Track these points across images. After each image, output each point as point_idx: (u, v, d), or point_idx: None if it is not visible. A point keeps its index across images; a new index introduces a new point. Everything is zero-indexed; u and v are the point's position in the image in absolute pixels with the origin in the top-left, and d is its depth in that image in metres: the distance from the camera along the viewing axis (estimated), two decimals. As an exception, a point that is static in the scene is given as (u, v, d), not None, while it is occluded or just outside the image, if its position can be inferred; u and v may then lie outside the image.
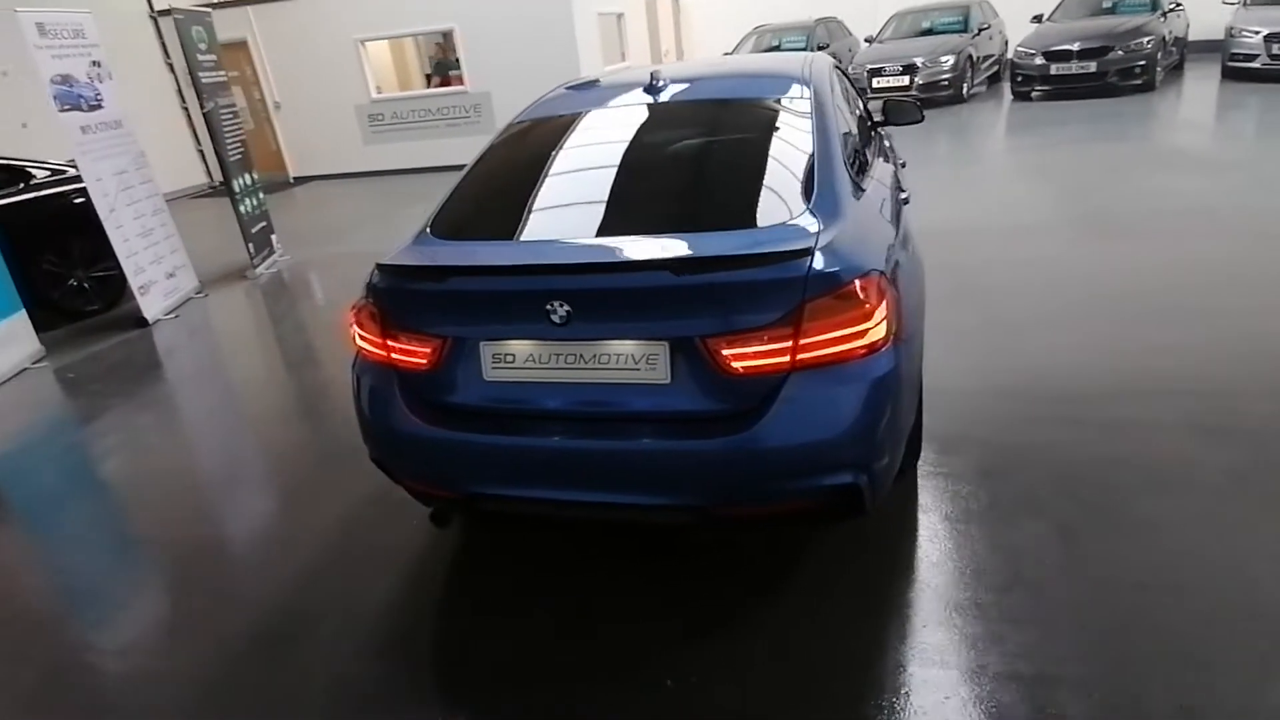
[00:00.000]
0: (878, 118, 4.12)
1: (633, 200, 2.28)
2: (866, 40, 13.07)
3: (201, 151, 11.63)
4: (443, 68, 12.30)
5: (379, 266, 2.15)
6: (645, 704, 1.96)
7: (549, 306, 1.91)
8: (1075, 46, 10.27)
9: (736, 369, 1.89)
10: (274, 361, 5.14)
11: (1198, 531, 2.31)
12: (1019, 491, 2.58)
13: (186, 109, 11.79)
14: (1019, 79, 10.93)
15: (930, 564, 2.31)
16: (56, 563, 3.07)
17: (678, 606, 2.27)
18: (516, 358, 2.05)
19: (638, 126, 2.61)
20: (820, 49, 12.87)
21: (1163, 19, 10.61)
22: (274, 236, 7.06)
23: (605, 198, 2.33)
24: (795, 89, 2.66)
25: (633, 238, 2.10)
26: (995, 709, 1.81)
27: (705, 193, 2.32)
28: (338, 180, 11.76)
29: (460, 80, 11.15)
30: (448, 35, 11.02)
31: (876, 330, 1.93)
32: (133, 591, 2.77)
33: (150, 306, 5.61)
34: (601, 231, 2.18)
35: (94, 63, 5.47)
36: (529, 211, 2.34)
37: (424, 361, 2.11)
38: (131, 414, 4.35)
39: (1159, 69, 10.31)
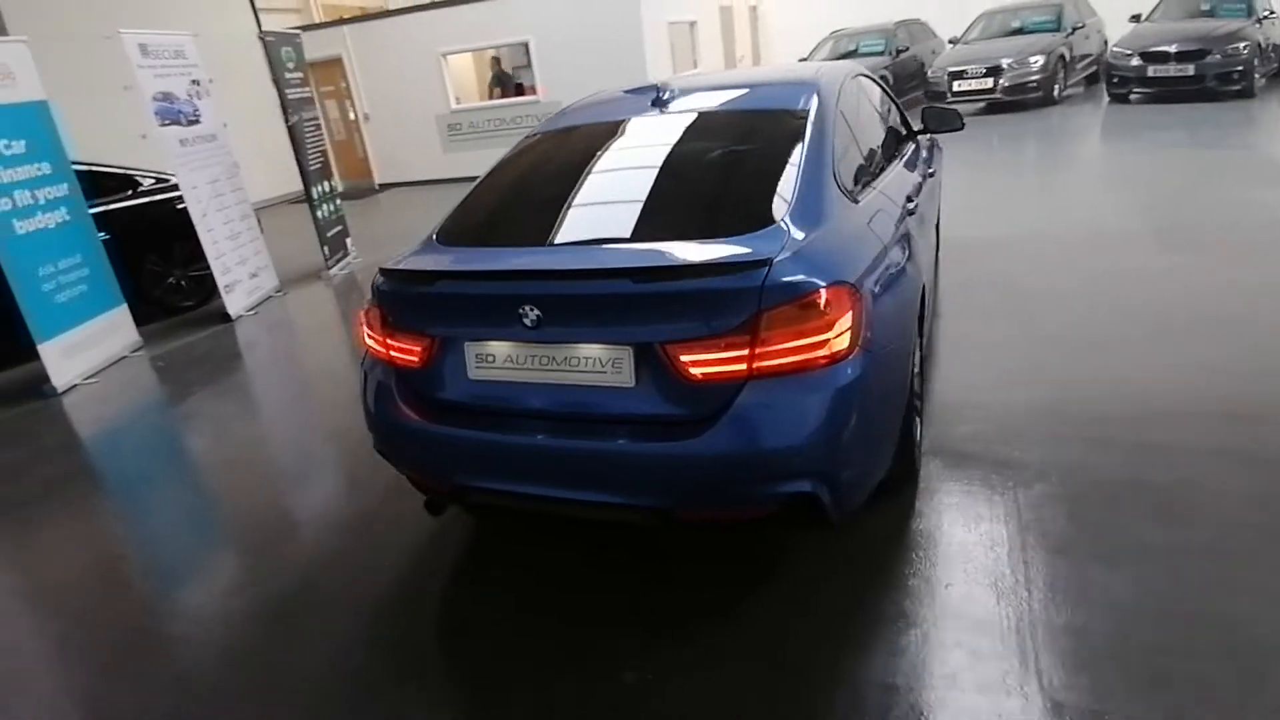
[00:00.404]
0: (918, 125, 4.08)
1: (615, 210, 2.38)
2: (950, 42, 12.68)
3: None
4: (500, 80, 12.72)
5: (380, 270, 2.33)
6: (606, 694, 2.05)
7: (521, 311, 2.04)
8: (1173, 48, 9.66)
9: (695, 375, 1.97)
10: (340, 354, 5.51)
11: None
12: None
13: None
14: (1115, 80, 10.37)
15: (919, 577, 2.29)
16: (138, 526, 3.45)
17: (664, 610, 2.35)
18: (496, 358, 2.18)
19: (634, 138, 2.70)
20: (900, 53, 12.59)
21: (1258, 25, 9.86)
22: (349, 240, 7.53)
23: (590, 207, 2.44)
24: (799, 99, 2.69)
25: (605, 246, 2.20)
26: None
27: (685, 203, 2.39)
28: (419, 187, 12.35)
29: (533, 90, 11.52)
30: (524, 47, 11.40)
31: (838, 341, 1.96)
32: (202, 555, 3.09)
33: (234, 304, 6.11)
34: (579, 240, 2.29)
35: (193, 81, 6.02)
36: (518, 220, 2.48)
37: (416, 359, 2.28)
38: (211, 399, 4.79)
39: (1258, 75, 9.59)
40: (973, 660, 1.96)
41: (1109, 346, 3.61)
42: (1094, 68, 12.33)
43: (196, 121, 5.97)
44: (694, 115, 2.78)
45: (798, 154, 2.40)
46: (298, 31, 7.30)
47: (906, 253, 2.54)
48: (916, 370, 2.81)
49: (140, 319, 5.86)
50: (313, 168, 7.00)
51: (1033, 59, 10.95)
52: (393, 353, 2.34)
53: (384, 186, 12.79)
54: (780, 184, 2.30)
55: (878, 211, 2.51)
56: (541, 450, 2.14)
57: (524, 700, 2.06)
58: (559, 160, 2.80)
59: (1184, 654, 1.89)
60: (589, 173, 2.55)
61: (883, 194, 2.67)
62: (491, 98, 12.50)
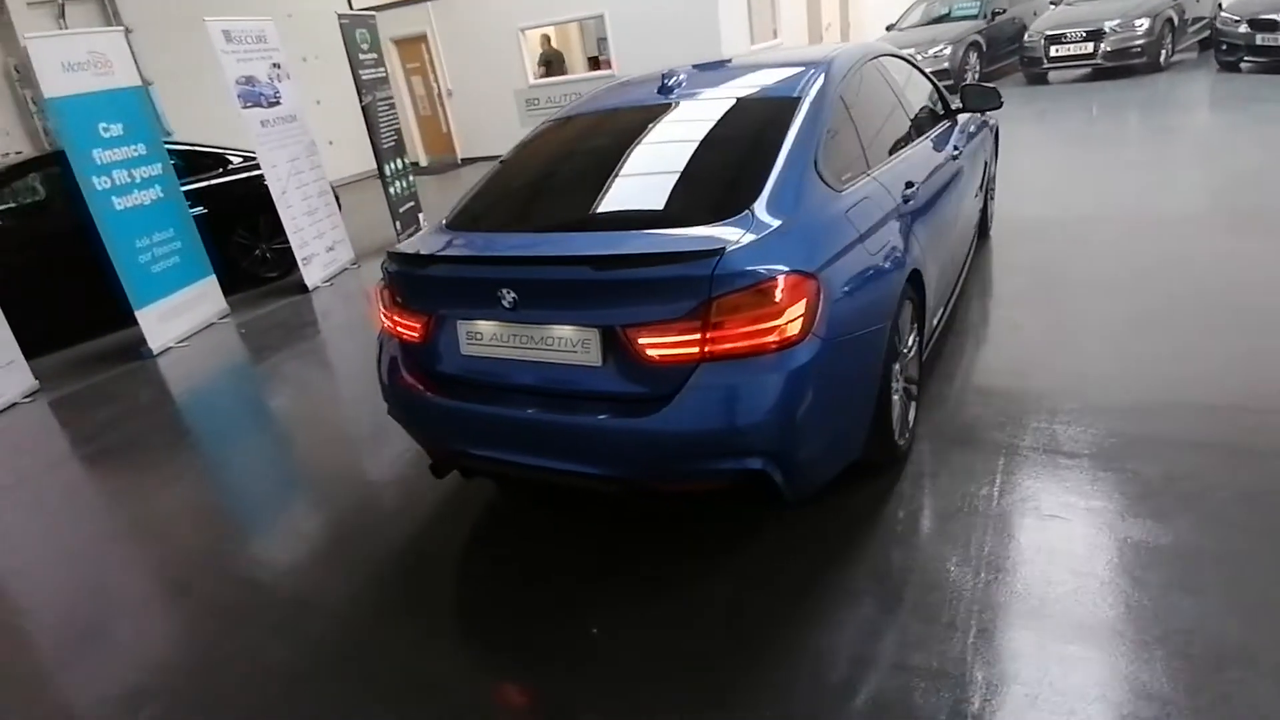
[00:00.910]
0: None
1: (598, 198, 2.49)
2: (1053, 3, 11.91)
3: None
4: (548, 60, 12.81)
5: (388, 253, 2.54)
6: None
7: (499, 294, 2.20)
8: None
9: (653, 356, 2.08)
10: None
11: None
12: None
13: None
14: (1223, 47, 9.49)
15: (876, 559, 2.35)
16: (219, 472, 3.88)
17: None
18: (484, 336, 2.36)
19: (631, 127, 2.79)
20: (995, 16, 11.94)
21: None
22: (421, 215, 7.91)
23: (575, 195, 2.57)
24: (796, 87, 2.71)
25: (581, 234, 2.32)
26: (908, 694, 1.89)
27: (663, 192, 2.47)
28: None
29: (609, 64, 11.61)
30: (599, 21, 11.47)
31: (790, 327, 2.03)
32: (272, 497, 3.47)
33: (311, 275, 6.57)
34: (560, 226, 2.43)
35: (274, 65, 6.45)
36: (511, 206, 2.63)
37: (417, 335, 2.48)
38: (287, 362, 5.24)
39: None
40: (911, 637, 2.03)
41: (1150, 336, 3.46)
42: (1207, 32, 11.33)
43: (277, 103, 6.41)
44: (692, 104, 2.83)
45: (781, 143, 2.44)
46: (372, 13, 7.64)
47: (893, 241, 2.55)
48: (910, 355, 2.82)
49: (229, 289, 6.40)
50: (386, 146, 7.37)
51: (1138, 22, 10.16)
52: (399, 328, 2.55)
53: (466, 161, 13.22)
54: (757, 173, 2.34)
55: (863, 199, 2.51)
56: (524, 422, 2.30)
57: (504, 638, 2.27)
58: (558, 149, 2.93)
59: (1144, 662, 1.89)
60: (581, 161, 2.67)
61: (877, 181, 2.66)
62: (539, 78, 12.63)
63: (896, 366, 2.67)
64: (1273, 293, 3.63)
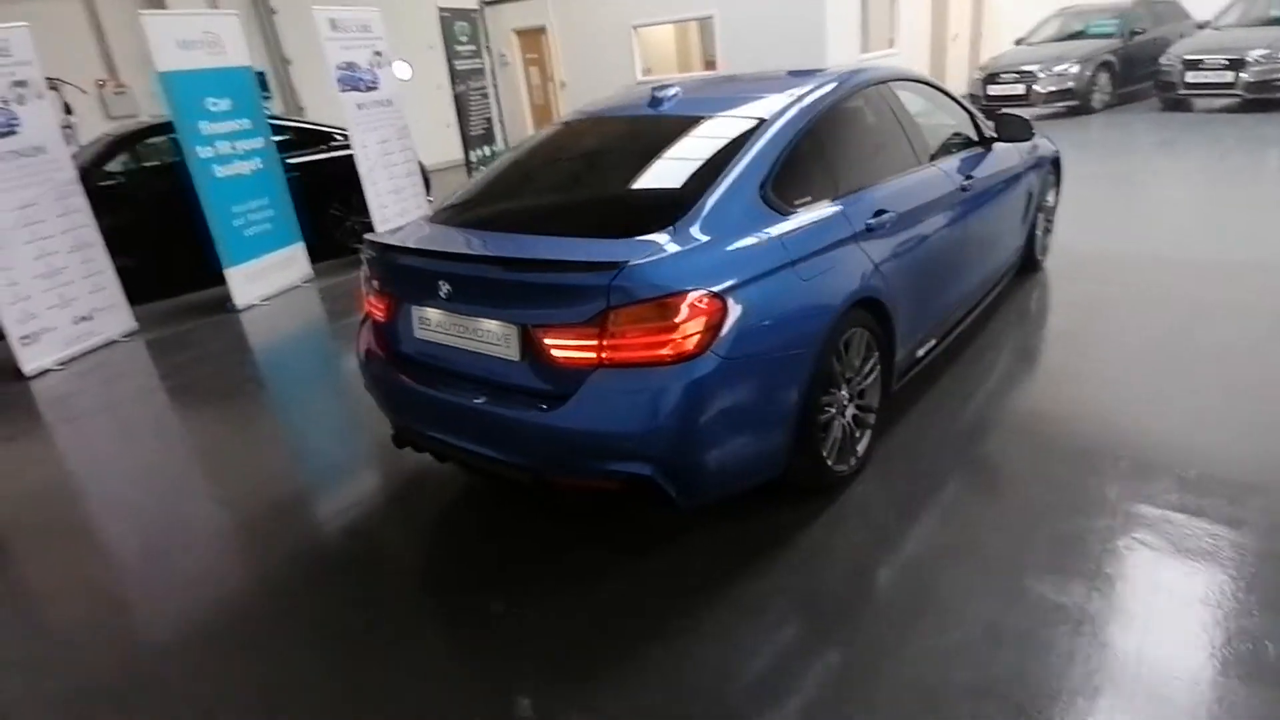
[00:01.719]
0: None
1: (545, 202, 2.62)
2: (1200, 26, 10.91)
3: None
4: None
5: (365, 239, 2.79)
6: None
7: (438, 284, 2.39)
8: None
9: (556, 357, 2.20)
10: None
11: None
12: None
13: (495, 86, 13.98)
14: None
15: (779, 575, 2.38)
16: (285, 411, 4.41)
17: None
18: (431, 321, 2.55)
19: (608, 137, 2.91)
20: (1134, 35, 11.08)
21: None
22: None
23: (529, 198, 2.71)
24: (772, 109, 2.73)
25: (513, 235, 2.47)
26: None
27: (604, 202, 2.57)
28: (599, 154, 13.04)
29: (714, 66, 11.66)
30: (708, 21, 11.53)
31: (685, 342, 2.11)
32: (324, 445, 3.84)
33: (388, 249, 7.07)
34: (507, 227, 2.58)
35: (376, 52, 6.97)
36: (475, 205, 2.81)
37: (383, 315, 2.72)
38: (355, 325, 5.69)
39: None
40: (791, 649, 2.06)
41: (1146, 391, 3.24)
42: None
43: (374, 88, 6.92)
44: (670, 119, 2.90)
45: (730, 163, 2.49)
46: (474, 9, 8.07)
47: (839, 267, 2.54)
48: (868, 383, 2.79)
49: (319, 256, 7.00)
50: (474, 134, 7.81)
51: (1289, 52, 9.17)
52: (372, 308, 2.80)
53: (568, 151, 13.65)
54: (698, 191, 2.41)
55: (810, 224, 2.51)
56: (457, 406, 2.48)
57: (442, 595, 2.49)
58: (542, 152, 3.08)
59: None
60: (553, 167, 2.81)
61: (837, 207, 2.65)
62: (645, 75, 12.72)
63: (843, 392, 2.67)
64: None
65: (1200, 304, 4.04)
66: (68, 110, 8.77)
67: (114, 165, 6.30)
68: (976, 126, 3.85)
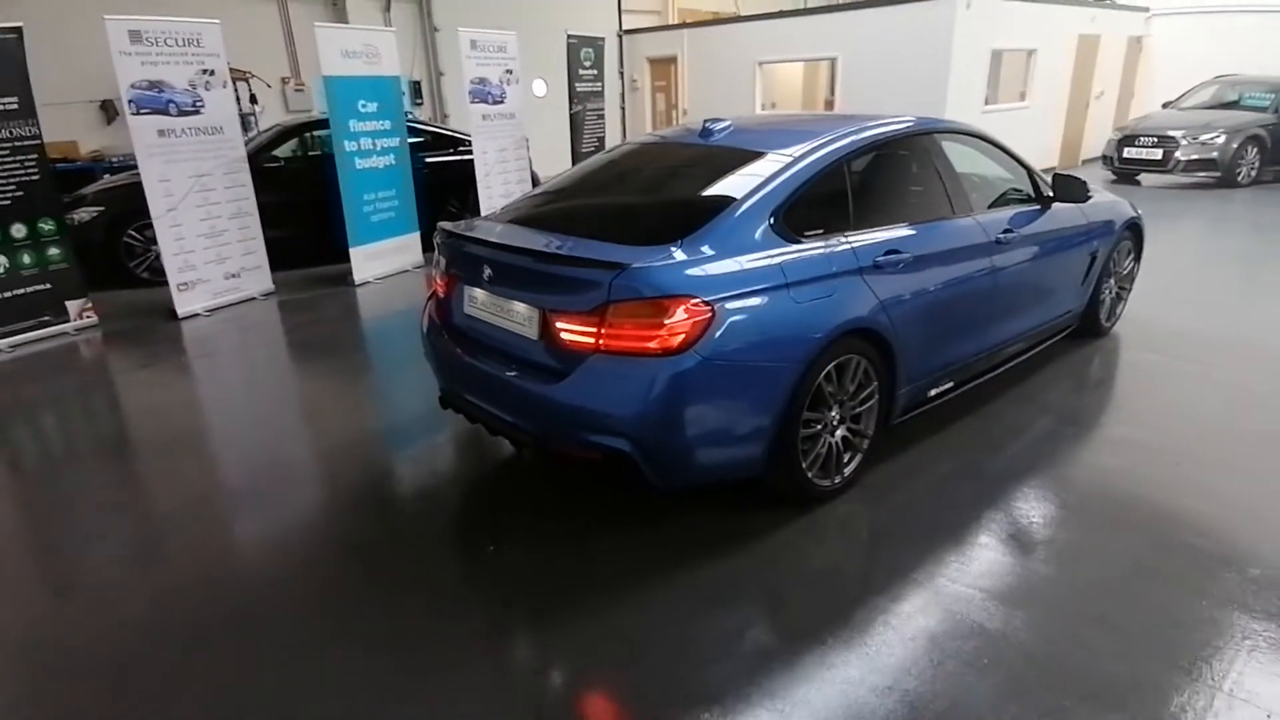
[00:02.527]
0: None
1: (586, 208, 3.02)
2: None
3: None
4: None
5: (439, 228, 3.28)
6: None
7: (483, 269, 2.84)
8: None
9: (564, 339, 2.59)
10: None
11: None
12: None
13: (624, 108, 14.73)
14: None
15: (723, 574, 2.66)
16: (379, 370, 5.09)
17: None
18: (477, 300, 3.01)
19: (662, 159, 3.29)
20: (1291, 110, 10.36)
21: None
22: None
23: (572, 203, 3.12)
24: (799, 148, 3.02)
25: (551, 233, 2.87)
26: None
27: (630, 215, 2.94)
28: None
29: (831, 106, 11.83)
30: (831, 64, 11.74)
31: (672, 339, 2.44)
32: (408, 404, 4.36)
33: (494, 247, 7.75)
34: (548, 227, 2.99)
35: (507, 70, 7.70)
36: (529, 207, 3.25)
37: (443, 292, 3.21)
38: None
39: None
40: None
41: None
42: None
43: (500, 102, 7.66)
44: (712, 149, 3.25)
45: (750, 191, 2.81)
46: (600, 36, 8.70)
47: (836, 296, 2.77)
48: (864, 407, 3.01)
49: (431, 246, 7.74)
50: (584, 150, 8.40)
51: None
52: (437, 285, 3.30)
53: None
54: (715, 211, 2.74)
55: (814, 254, 2.78)
56: (490, 375, 2.91)
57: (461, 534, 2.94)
58: (599, 168, 3.50)
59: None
60: (603, 178, 3.22)
61: (846, 242, 2.90)
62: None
63: (833, 413, 2.91)
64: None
65: (1251, 391, 3.94)
66: (253, 100, 10.10)
67: (279, 151, 7.32)
68: (1035, 184, 3.95)
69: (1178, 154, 10.31)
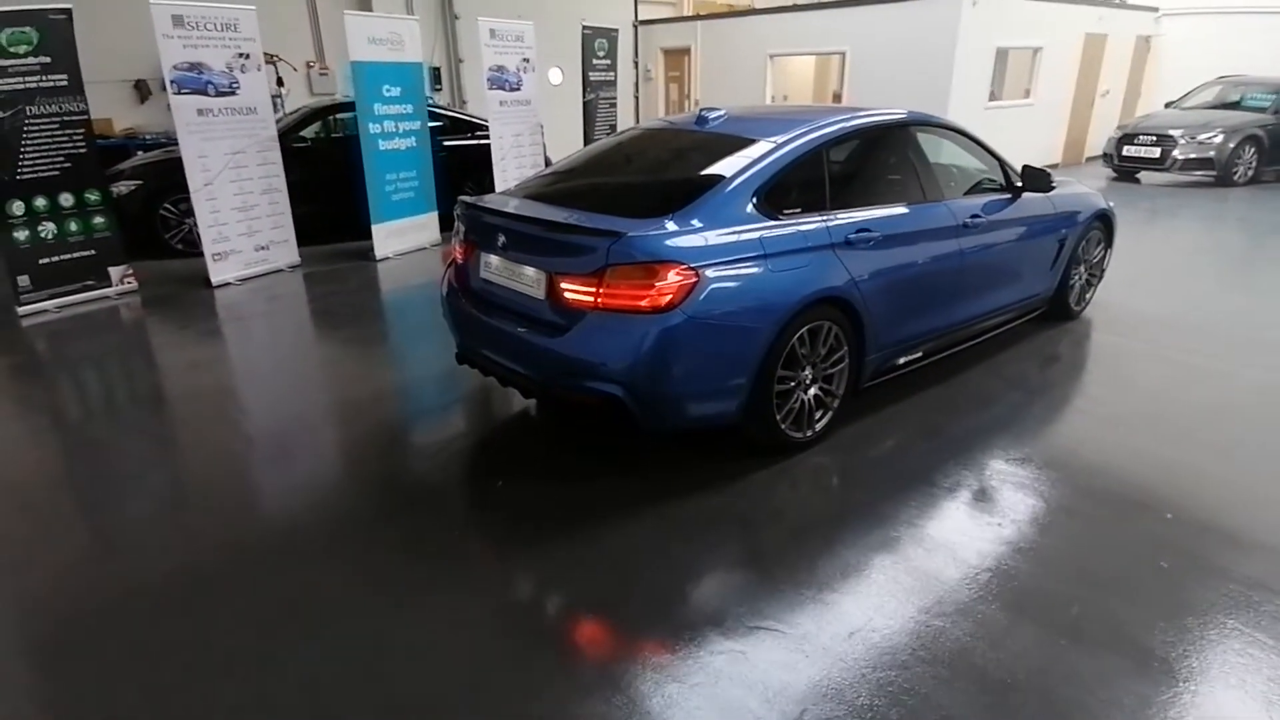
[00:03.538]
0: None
1: (589, 185, 3.39)
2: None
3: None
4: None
5: (459, 200, 3.66)
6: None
7: (498, 237, 3.22)
8: None
9: (567, 298, 2.97)
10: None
11: None
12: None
13: (637, 98, 15.04)
14: None
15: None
16: (392, 338, 5.46)
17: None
18: (493, 264, 3.38)
19: (661, 142, 3.67)
20: (1291, 111, 10.56)
21: None
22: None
23: (578, 181, 3.51)
24: (782, 136, 3.37)
25: (559, 207, 3.25)
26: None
27: (631, 192, 3.31)
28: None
29: (839, 98, 12.11)
30: (841, 57, 12.02)
31: (661, 298, 2.81)
32: (423, 372, 4.80)
33: (508, 228, 8.14)
34: (558, 200, 3.36)
35: (524, 59, 8.05)
36: (547, 184, 3.63)
37: (462, 258, 3.59)
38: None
39: None
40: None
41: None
42: None
43: (517, 89, 8.01)
44: (706, 134, 3.60)
45: (735, 172, 3.17)
46: (614, 28, 9.03)
47: (810, 267, 3.13)
48: (835, 369, 3.37)
49: (448, 226, 8.10)
50: (596, 137, 8.75)
51: None
52: (457, 252, 3.68)
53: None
54: (704, 189, 3.11)
55: (790, 229, 3.13)
56: (502, 331, 3.29)
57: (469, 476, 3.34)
58: (605, 150, 3.87)
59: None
60: (609, 158, 3.61)
61: (822, 220, 3.25)
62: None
63: (806, 372, 3.27)
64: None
65: (1201, 369, 4.28)
66: (280, 83, 10.49)
67: (306, 131, 7.71)
68: (1006, 175, 4.28)
69: (1175, 153, 10.54)
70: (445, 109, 8.83)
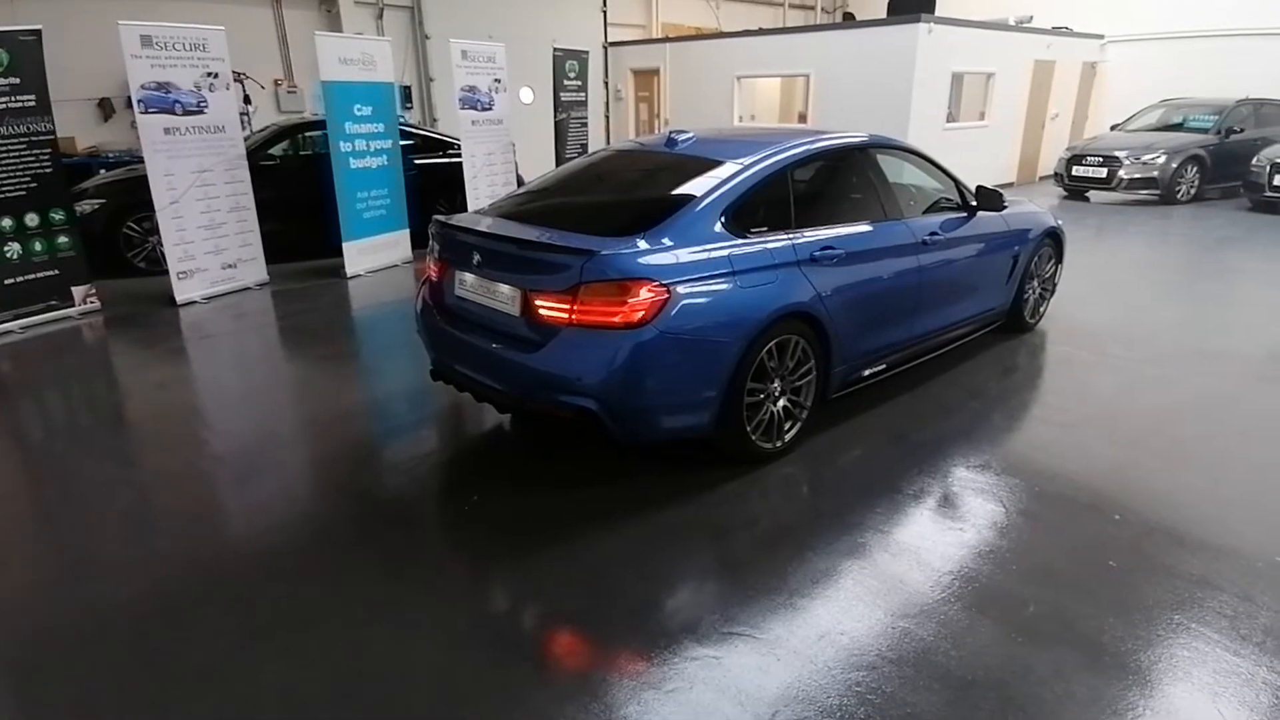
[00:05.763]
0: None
1: (562, 204, 3.48)
2: (1306, 131, 10.81)
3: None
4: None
5: (434, 219, 3.71)
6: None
7: (473, 255, 3.28)
8: None
9: (541, 314, 3.04)
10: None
11: None
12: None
13: (608, 117, 15.23)
14: None
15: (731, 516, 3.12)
16: (363, 352, 5.43)
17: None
18: (467, 282, 3.44)
19: (632, 163, 3.78)
20: (1230, 134, 11.08)
21: None
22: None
23: (551, 200, 3.60)
24: (748, 158, 3.50)
25: (533, 225, 3.33)
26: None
27: (607, 209, 3.42)
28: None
29: (804, 119, 12.41)
30: (805, 80, 12.33)
31: (633, 314, 2.90)
32: (390, 387, 4.84)
33: (479, 246, 8.19)
34: (531, 220, 3.44)
35: (496, 80, 8.15)
36: (520, 203, 3.71)
37: (436, 276, 3.64)
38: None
39: None
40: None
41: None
42: None
43: (489, 109, 8.10)
44: (676, 156, 3.72)
45: (704, 193, 3.28)
46: (584, 50, 9.19)
47: (776, 283, 3.24)
48: (802, 381, 3.47)
49: (420, 244, 8.13)
50: (568, 155, 8.87)
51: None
52: (431, 270, 3.73)
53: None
54: (674, 209, 3.21)
55: (757, 248, 3.25)
56: (477, 348, 3.35)
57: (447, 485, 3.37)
58: (577, 170, 3.97)
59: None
60: (581, 179, 3.71)
61: (788, 239, 3.38)
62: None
63: (775, 385, 3.38)
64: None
65: (1148, 377, 4.49)
66: (247, 100, 10.45)
67: (274, 149, 7.69)
68: (962, 195, 4.47)
69: (1121, 173, 10.99)
70: (416, 127, 8.88)
